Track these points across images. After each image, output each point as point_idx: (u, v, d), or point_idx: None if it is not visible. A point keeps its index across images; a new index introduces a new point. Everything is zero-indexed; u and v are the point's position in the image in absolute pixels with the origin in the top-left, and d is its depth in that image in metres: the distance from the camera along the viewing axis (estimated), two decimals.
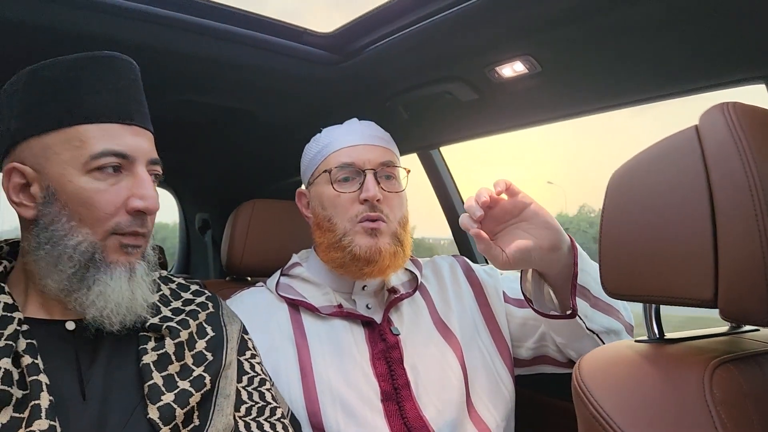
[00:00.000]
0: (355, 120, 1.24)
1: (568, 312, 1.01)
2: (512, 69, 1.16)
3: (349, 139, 1.18)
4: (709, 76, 0.99)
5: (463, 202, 1.73)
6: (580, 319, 1.00)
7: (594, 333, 1.02)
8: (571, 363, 1.15)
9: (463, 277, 1.26)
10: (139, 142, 0.79)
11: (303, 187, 1.27)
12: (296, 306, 1.15)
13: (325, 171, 1.16)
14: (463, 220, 0.98)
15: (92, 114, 0.77)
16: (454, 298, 1.21)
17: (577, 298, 0.99)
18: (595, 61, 1.08)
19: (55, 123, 0.76)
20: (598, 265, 1.02)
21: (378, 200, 1.11)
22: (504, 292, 1.23)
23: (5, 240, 0.87)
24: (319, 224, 1.17)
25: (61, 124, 0.76)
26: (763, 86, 0.94)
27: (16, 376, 0.70)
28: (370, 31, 1.21)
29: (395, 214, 1.14)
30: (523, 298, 1.11)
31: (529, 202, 0.97)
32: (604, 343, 1.03)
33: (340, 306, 1.14)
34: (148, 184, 0.79)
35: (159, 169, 0.83)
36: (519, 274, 1.11)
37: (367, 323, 1.13)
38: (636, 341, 0.72)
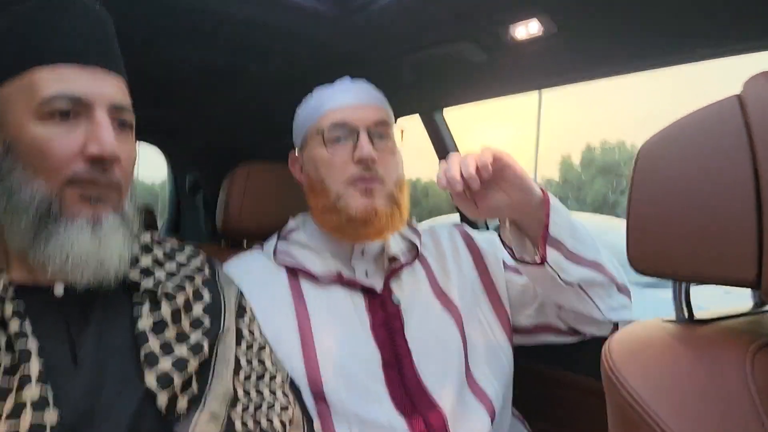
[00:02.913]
0: (347, 79, 1.19)
1: (538, 261, 1.00)
2: (527, 29, 1.11)
3: (341, 98, 1.13)
4: (742, 38, 0.94)
5: None
6: (553, 269, 0.98)
7: (571, 285, 1.00)
8: (572, 331, 1.14)
9: (463, 245, 1.24)
10: (99, 85, 0.73)
11: (296, 151, 1.23)
12: (295, 272, 1.12)
13: (317, 132, 1.12)
14: (442, 181, 0.92)
15: (46, 56, 0.71)
16: (453, 267, 1.19)
17: (550, 248, 0.97)
18: (616, 21, 1.03)
19: (10, 71, 0.72)
20: (576, 221, 1.01)
21: (372, 160, 1.08)
22: (504, 260, 1.21)
23: None
24: (312, 187, 1.14)
25: (17, 71, 0.72)
26: None
27: (2, 342, 0.67)
28: None
29: (390, 175, 1.11)
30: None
31: (512, 164, 0.94)
32: (589, 296, 1.02)
33: (339, 274, 1.11)
34: (106, 129, 0.72)
35: (128, 116, 0.77)
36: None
37: (367, 291, 1.11)
38: (664, 321, 0.69)
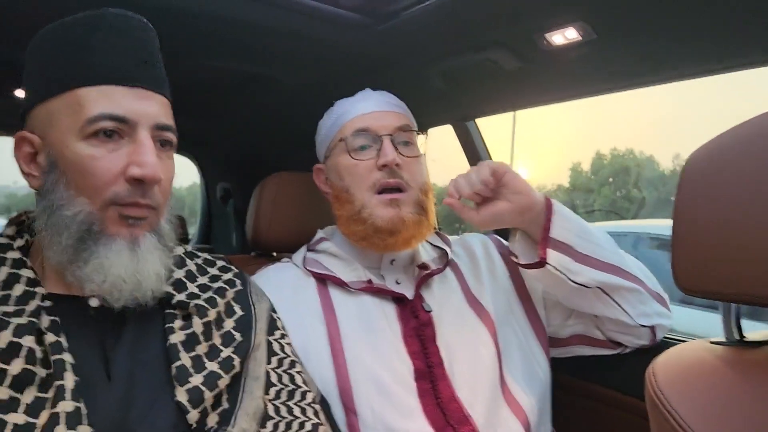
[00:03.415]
0: (368, 89, 1.20)
1: (537, 261, 1.00)
2: (564, 36, 1.08)
3: (363, 107, 1.14)
4: None
5: None
6: (559, 271, 0.98)
7: (589, 288, 0.99)
8: (609, 342, 1.11)
9: (497, 254, 1.21)
10: (143, 105, 0.73)
11: (320, 163, 1.23)
12: (324, 281, 1.11)
13: (341, 140, 1.12)
14: (454, 195, 1.01)
15: (92, 76, 0.72)
16: (487, 275, 1.17)
17: (554, 251, 0.98)
18: (658, 27, 0.99)
19: (57, 87, 0.72)
20: (589, 227, 1.01)
21: (397, 165, 1.08)
22: None
23: (27, 212, 0.82)
24: (337, 196, 1.14)
25: (63, 89, 0.72)
26: None
27: (39, 355, 0.67)
28: None
29: (416, 180, 1.10)
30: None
31: (509, 170, 0.99)
32: (615, 301, 1.01)
33: (369, 281, 1.10)
34: (149, 151, 0.72)
35: (170, 136, 0.77)
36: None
37: (397, 300, 1.09)
38: (711, 343, 0.65)
